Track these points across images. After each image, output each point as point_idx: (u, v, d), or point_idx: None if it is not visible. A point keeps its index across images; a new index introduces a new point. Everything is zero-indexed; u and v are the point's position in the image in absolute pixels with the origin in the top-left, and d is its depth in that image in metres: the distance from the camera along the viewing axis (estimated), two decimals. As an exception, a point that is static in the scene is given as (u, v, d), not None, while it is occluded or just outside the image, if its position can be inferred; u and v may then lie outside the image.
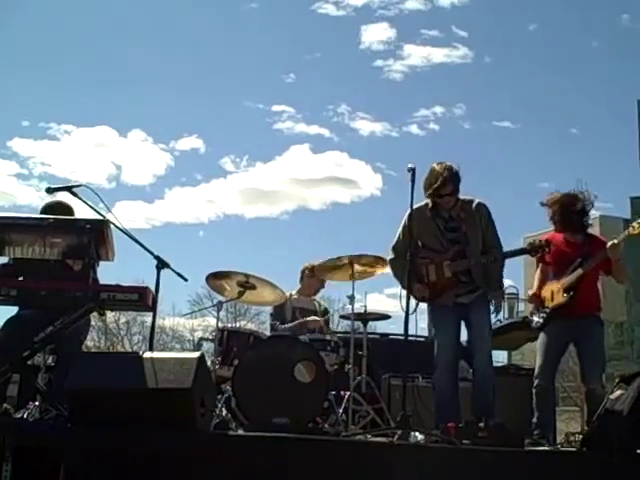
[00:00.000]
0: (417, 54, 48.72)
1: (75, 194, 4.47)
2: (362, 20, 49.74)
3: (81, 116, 45.37)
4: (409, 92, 45.26)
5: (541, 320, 5.38)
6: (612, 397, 4.24)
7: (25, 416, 4.17)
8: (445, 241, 5.32)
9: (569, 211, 5.37)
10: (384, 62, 48.90)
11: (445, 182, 5.17)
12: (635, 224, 5.14)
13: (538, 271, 5.58)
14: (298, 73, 46.01)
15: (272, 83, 44.72)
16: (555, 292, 5.35)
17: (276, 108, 50.37)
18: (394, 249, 5.47)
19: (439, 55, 50.91)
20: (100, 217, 4.33)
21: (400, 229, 5.39)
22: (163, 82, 43.29)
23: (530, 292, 5.57)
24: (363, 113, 50.75)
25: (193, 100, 43.58)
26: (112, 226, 4.29)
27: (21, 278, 4.67)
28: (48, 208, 5.04)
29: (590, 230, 5.61)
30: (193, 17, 43.08)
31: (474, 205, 5.33)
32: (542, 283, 5.51)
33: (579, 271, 5.24)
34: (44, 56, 41.57)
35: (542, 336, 5.39)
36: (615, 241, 5.17)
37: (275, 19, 44.48)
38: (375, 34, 51.70)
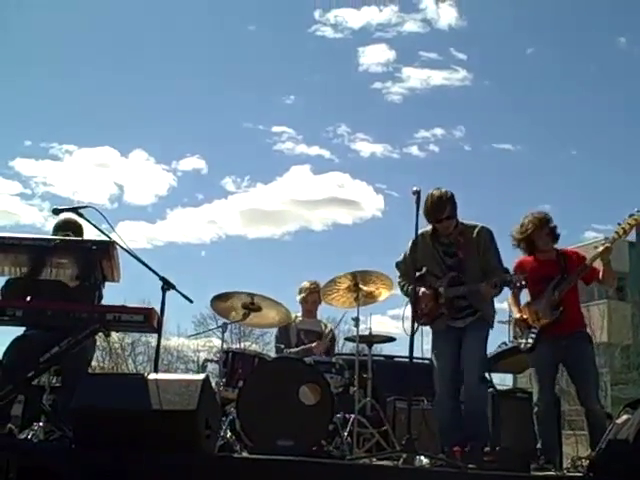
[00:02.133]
0: (416, 76, 48.77)
1: (81, 215, 4.49)
2: (360, 42, 49.93)
3: (82, 136, 45.22)
4: (409, 114, 45.28)
5: (530, 341, 5.34)
6: (618, 422, 4.22)
7: (29, 437, 4.17)
8: (444, 267, 5.34)
9: (543, 233, 5.38)
10: (383, 84, 49.06)
11: (440, 207, 5.16)
12: (619, 229, 5.13)
13: (511, 298, 5.55)
14: (297, 95, 46.18)
15: (272, 104, 44.87)
16: (541, 311, 5.32)
17: (276, 129, 50.44)
18: (398, 267, 5.53)
19: (438, 78, 50.99)
20: (106, 238, 4.35)
21: (406, 251, 5.42)
22: (163, 103, 43.49)
23: (517, 316, 5.47)
24: (363, 134, 50.79)
25: (194, 121, 43.63)
26: (118, 247, 4.31)
27: (27, 299, 4.68)
28: (62, 225, 5.05)
29: (594, 253, 5.60)
30: (192, 39, 43.38)
31: (476, 230, 5.31)
32: (519, 306, 5.52)
33: (564, 286, 5.25)
34: (44, 74, 41.79)
35: (533, 361, 5.37)
36: (608, 244, 5.15)
37: (273, 41, 44.77)
38: (373, 56, 51.84)
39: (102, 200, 34.03)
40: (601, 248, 5.18)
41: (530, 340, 5.34)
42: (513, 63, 43.53)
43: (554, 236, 5.45)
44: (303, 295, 6.59)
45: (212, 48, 44.40)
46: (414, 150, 45.19)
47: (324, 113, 47.24)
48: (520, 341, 5.46)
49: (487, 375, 6.17)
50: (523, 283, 5.12)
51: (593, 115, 43.57)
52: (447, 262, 5.35)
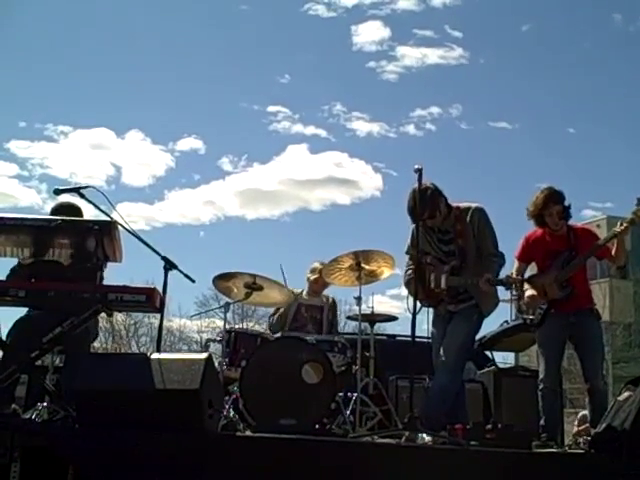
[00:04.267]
0: (411, 55, 49.09)
1: (82, 195, 4.50)
2: (353, 21, 49.99)
3: (77, 117, 45.28)
4: (404, 92, 45.51)
5: (538, 317, 5.30)
6: (620, 399, 4.24)
7: (33, 417, 4.18)
8: (442, 253, 5.31)
9: (553, 212, 5.28)
10: (377, 63, 49.18)
11: (421, 209, 4.99)
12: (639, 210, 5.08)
13: (515, 272, 5.44)
14: (292, 74, 46.21)
15: (266, 84, 44.91)
16: (547, 287, 5.28)
17: (271, 109, 50.45)
18: (407, 253, 5.51)
19: (433, 56, 51.09)
20: (108, 218, 4.35)
21: (409, 237, 5.40)
22: (158, 84, 43.45)
23: (529, 293, 5.36)
24: (359, 113, 50.74)
25: (189, 101, 43.79)
26: (119, 227, 4.31)
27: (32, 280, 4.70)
28: (60, 208, 5.06)
29: (597, 231, 5.58)
30: (186, 20, 43.33)
31: (469, 213, 5.23)
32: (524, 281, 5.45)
33: (574, 264, 5.21)
34: (36, 55, 41.71)
35: (540, 338, 5.34)
36: (627, 225, 5.09)
37: (266, 20, 44.77)
38: (367, 35, 51.64)
39: (99, 182, 34.12)
40: (618, 228, 5.11)
41: (538, 315, 5.30)
42: (509, 41, 43.57)
43: (565, 216, 5.34)
44: (316, 276, 6.53)
45: (205, 28, 44.42)
46: (411, 129, 45.38)
47: (319, 92, 47.50)
48: (525, 316, 5.45)
49: (470, 360, 6.21)
50: (514, 285, 5.10)
51: (590, 93, 43.61)
52: (443, 249, 5.31)
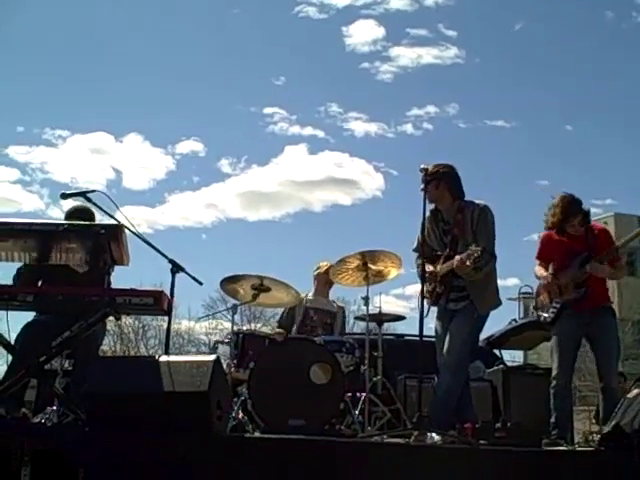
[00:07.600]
0: (406, 55, 49.30)
1: (89, 199, 4.51)
2: (346, 22, 50.25)
3: (74, 120, 45.12)
4: (400, 92, 45.50)
5: (552, 315, 5.31)
6: (629, 396, 4.22)
7: (43, 421, 4.19)
8: (443, 245, 5.30)
9: (574, 214, 5.29)
10: (371, 64, 49.40)
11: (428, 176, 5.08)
12: None
13: (540, 269, 5.45)
14: (287, 76, 46.24)
15: (262, 86, 44.99)
16: (563, 287, 5.28)
17: (268, 110, 50.40)
18: (415, 251, 5.48)
19: (428, 56, 50.98)
20: (115, 222, 4.36)
21: (418, 235, 5.39)
22: (153, 87, 43.54)
23: (544, 274, 5.36)
24: (356, 113, 50.58)
25: (188, 104, 43.63)
26: (126, 231, 4.32)
27: (38, 284, 4.72)
28: (75, 212, 5.09)
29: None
30: (180, 25, 43.45)
31: (472, 208, 5.22)
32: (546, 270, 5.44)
33: (592, 267, 5.16)
34: (34, 59, 41.75)
35: (555, 334, 5.31)
36: (623, 240, 5.11)
37: (258, 23, 44.85)
38: (360, 36, 51.43)
39: (100, 186, 33.86)
40: (635, 232, 5.14)
41: (551, 314, 5.30)
42: (502, 39, 43.59)
43: (585, 221, 5.34)
44: (319, 271, 6.55)
45: (200, 32, 44.42)
46: (409, 128, 45.29)
47: (315, 93, 47.66)
48: (540, 314, 5.44)
49: (477, 358, 6.19)
50: (477, 254, 4.90)
51: (586, 89, 43.60)
52: (445, 240, 5.30)
